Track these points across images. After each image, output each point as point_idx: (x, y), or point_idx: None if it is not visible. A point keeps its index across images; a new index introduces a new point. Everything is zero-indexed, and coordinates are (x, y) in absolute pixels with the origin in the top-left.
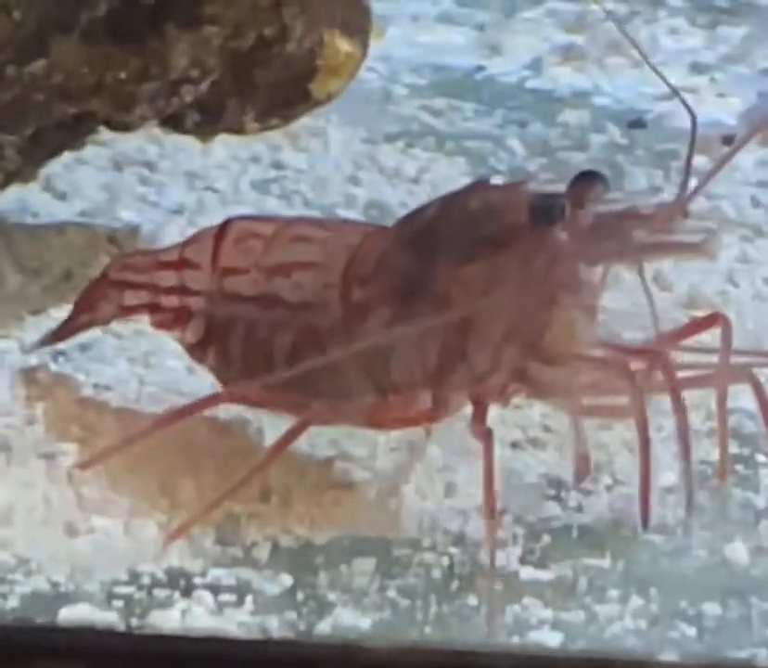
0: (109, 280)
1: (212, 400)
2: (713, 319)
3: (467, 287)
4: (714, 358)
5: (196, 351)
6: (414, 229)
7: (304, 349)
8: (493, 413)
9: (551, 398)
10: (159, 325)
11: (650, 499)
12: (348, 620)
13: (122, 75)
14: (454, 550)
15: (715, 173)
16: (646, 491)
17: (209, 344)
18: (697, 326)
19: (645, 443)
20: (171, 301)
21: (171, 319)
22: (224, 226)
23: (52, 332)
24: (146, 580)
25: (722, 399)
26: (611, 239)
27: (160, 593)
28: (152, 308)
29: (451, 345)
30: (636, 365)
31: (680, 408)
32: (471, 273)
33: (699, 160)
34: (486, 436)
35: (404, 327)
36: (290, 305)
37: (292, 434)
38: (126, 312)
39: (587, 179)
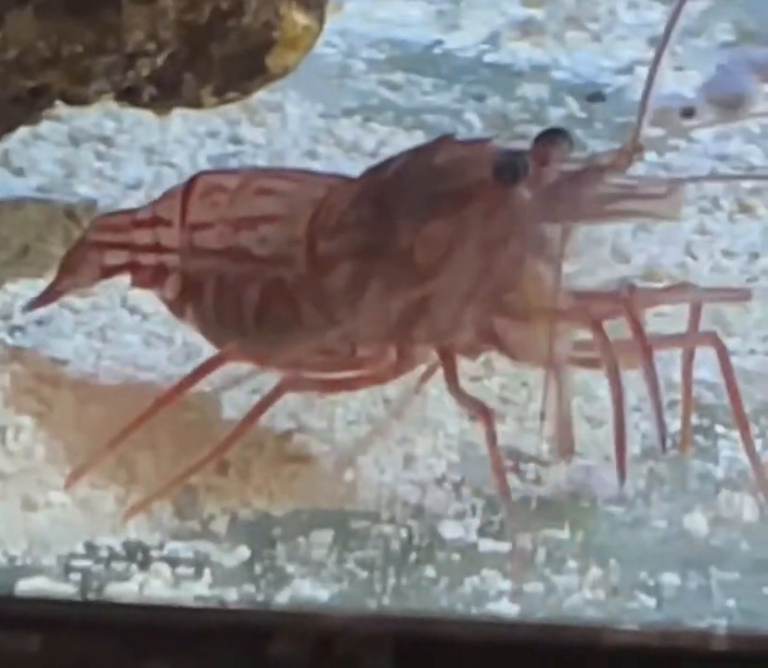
0: (90, 242)
1: (216, 361)
2: (683, 289)
3: (430, 243)
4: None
5: (175, 307)
6: (378, 183)
7: (272, 302)
8: None
9: (520, 356)
10: (140, 284)
11: (626, 450)
12: (306, 591)
13: (78, 49)
14: (412, 522)
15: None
16: (622, 440)
17: (186, 300)
18: (667, 293)
19: (617, 391)
20: (148, 259)
21: (150, 277)
22: (192, 182)
23: (37, 297)
24: (103, 553)
25: (687, 362)
26: (575, 197)
27: (118, 566)
28: (132, 267)
29: (414, 299)
30: (602, 306)
31: (645, 351)
32: (435, 229)
33: (658, 133)
34: (485, 414)
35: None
36: (257, 258)
37: (264, 404)
38: (108, 272)
39: (551, 137)
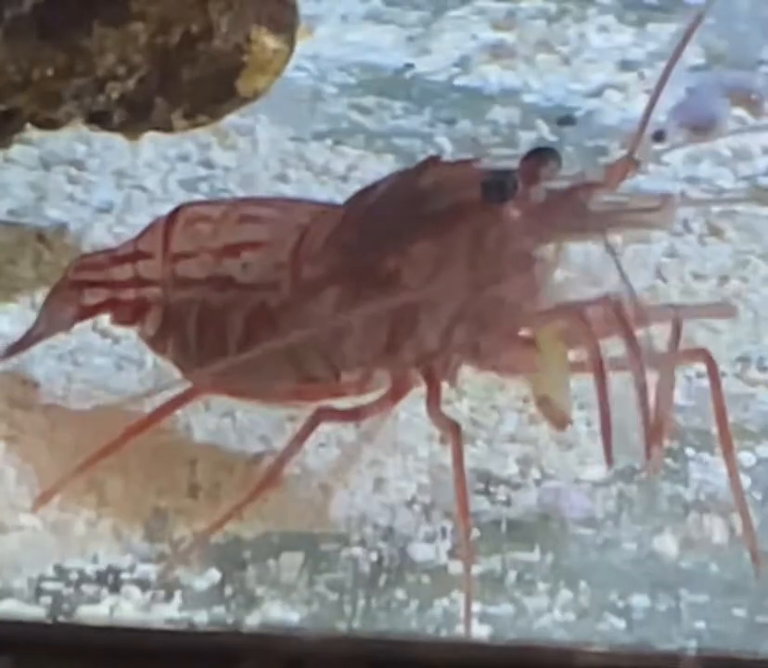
0: (68, 282)
1: (189, 394)
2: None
3: (418, 264)
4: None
5: (156, 343)
6: (364, 206)
7: (257, 329)
8: (422, 409)
9: (507, 374)
10: (119, 321)
11: (611, 437)
12: (276, 614)
13: (49, 72)
14: (382, 545)
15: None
16: (607, 421)
17: (167, 333)
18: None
19: (600, 374)
20: (128, 294)
21: (130, 313)
22: (174, 213)
23: (17, 341)
24: (73, 576)
25: (668, 379)
26: (564, 215)
27: (88, 589)
28: (112, 304)
29: (401, 322)
30: (590, 312)
31: (634, 352)
32: (422, 250)
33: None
34: (454, 431)
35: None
36: (241, 286)
37: (302, 437)
38: (88, 311)
39: (539, 155)
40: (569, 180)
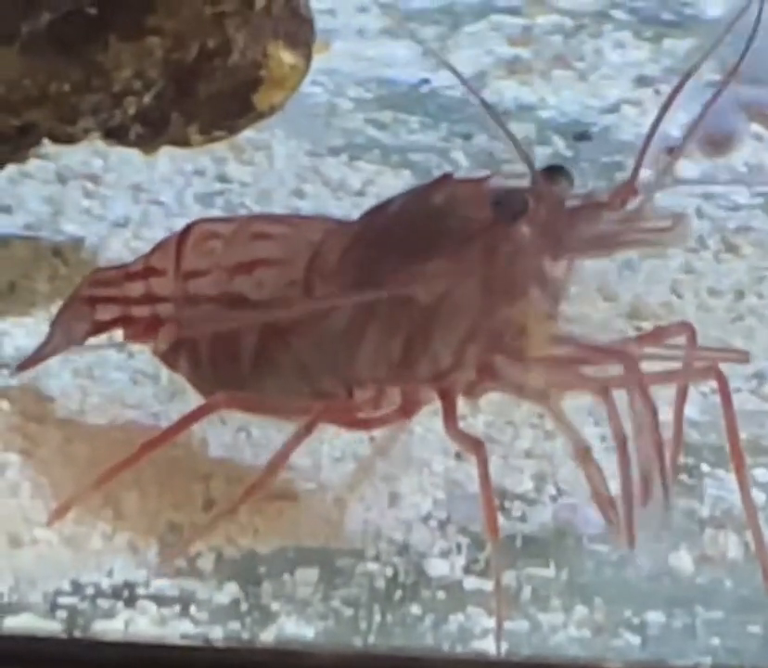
0: (80, 297)
1: (206, 408)
2: (680, 328)
3: (430, 282)
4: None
5: (169, 358)
6: (377, 224)
7: (269, 346)
8: (437, 424)
9: (519, 393)
10: (132, 337)
11: (633, 510)
12: (291, 629)
13: (65, 87)
14: (397, 560)
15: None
16: (629, 500)
17: (180, 350)
18: (664, 332)
19: (623, 451)
20: (141, 310)
21: (143, 329)
22: (186, 230)
23: (30, 356)
24: (89, 590)
25: (681, 399)
26: (576, 233)
27: (104, 603)
28: (124, 320)
29: (415, 339)
30: (604, 363)
31: (650, 409)
32: (435, 268)
33: (643, 173)
34: (478, 448)
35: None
36: (254, 303)
37: (297, 436)
38: (100, 327)
39: (551, 174)
40: (579, 199)
